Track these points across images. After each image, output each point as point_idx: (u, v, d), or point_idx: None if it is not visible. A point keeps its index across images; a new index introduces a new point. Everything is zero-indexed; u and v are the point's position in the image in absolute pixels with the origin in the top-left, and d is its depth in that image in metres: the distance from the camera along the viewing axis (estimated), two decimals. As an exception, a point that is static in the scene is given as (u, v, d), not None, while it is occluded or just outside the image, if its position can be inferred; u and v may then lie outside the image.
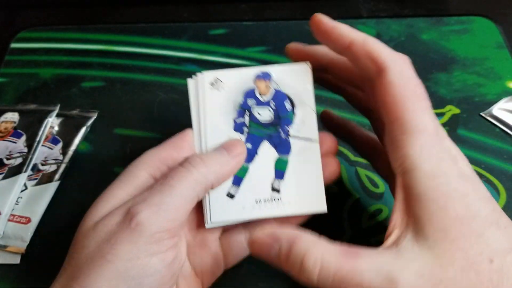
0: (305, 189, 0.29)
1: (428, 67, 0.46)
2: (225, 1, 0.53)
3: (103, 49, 0.49)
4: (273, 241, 0.23)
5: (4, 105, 0.43)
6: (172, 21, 0.52)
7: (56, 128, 0.41)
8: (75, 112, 0.43)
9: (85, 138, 0.41)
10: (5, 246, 0.34)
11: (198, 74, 0.30)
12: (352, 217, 0.36)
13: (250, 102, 0.29)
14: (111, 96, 0.45)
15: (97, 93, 0.45)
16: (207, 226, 0.29)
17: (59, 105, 0.42)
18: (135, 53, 0.48)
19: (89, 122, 0.42)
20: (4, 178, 0.37)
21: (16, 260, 0.34)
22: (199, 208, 0.29)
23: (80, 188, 0.38)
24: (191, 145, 0.29)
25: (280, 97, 0.29)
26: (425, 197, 0.22)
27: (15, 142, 0.39)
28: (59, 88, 0.45)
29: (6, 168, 0.38)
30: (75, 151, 0.40)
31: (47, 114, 0.41)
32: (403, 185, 0.23)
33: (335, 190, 0.38)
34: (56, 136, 0.41)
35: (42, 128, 0.40)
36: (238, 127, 0.29)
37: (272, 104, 0.29)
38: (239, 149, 0.29)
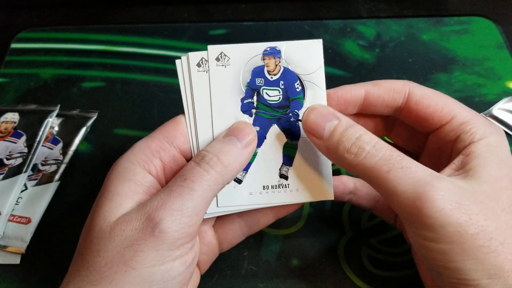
0: (314, 177, 0.28)
1: (428, 68, 0.46)
2: (225, 1, 0.53)
3: (103, 49, 0.49)
4: (333, 117, 0.26)
5: (4, 105, 0.43)
6: (172, 22, 0.52)
7: (56, 128, 0.41)
8: (75, 112, 0.43)
9: (85, 138, 0.41)
10: (5, 246, 0.34)
11: (189, 53, 0.27)
12: (352, 217, 0.36)
13: (259, 81, 0.27)
14: (111, 96, 0.45)
15: (97, 93, 0.45)
16: (211, 211, 0.28)
17: (59, 105, 0.42)
18: (135, 53, 0.48)
19: (89, 122, 0.42)
20: (4, 178, 0.37)
21: (16, 260, 0.34)
22: None
23: (80, 188, 0.38)
24: (183, 134, 0.28)
25: (289, 77, 0.28)
26: (487, 154, 0.24)
27: (15, 142, 0.39)
28: (59, 88, 0.45)
29: (6, 168, 0.38)
30: (75, 151, 0.40)
31: (47, 114, 0.41)
32: (466, 152, 0.25)
33: (335, 190, 0.38)
34: (56, 136, 0.41)
35: (42, 128, 0.40)
36: (245, 108, 0.28)
37: (281, 83, 0.28)
38: (250, 135, 0.27)
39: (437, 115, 0.27)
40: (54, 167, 0.38)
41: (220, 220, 0.31)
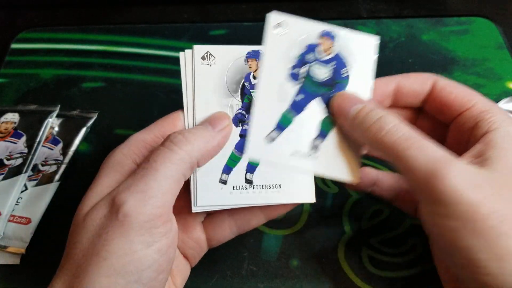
0: (343, 156, 0.29)
1: (428, 68, 0.46)
2: (225, 1, 0.53)
3: (104, 49, 0.49)
4: (359, 101, 0.27)
5: (5, 105, 0.43)
6: (173, 22, 0.52)
7: (57, 128, 0.41)
8: (75, 112, 0.43)
9: (85, 139, 0.41)
10: (5, 247, 0.34)
11: (194, 46, 0.29)
12: (352, 217, 0.36)
13: (310, 56, 0.29)
14: (111, 97, 0.45)
15: (98, 93, 0.45)
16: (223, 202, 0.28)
17: (59, 106, 0.42)
18: (135, 53, 0.48)
19: (89, 123, 0.42)
20: (4, 178, 0.37)
21: (16, 260, 0.34)
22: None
23: (80, 188, 0.38)
24: (181, 128, 0.28)
25: (340, 62, 0.29)
26: (504, 144, 0.25)
27: (15, 143, 0.39)
28: (60, 89, 0.45)
29: (6, 169, 0.38)
30: (75, 151, 0.40)
31: (47, 114, 0.41)
32: (484, 140, 0.26)
33: (335, 190, 0.38)
34: (57, 137, 0.41)
35: (42, 129, 0.40)
36: (293, 75, 0.29)
37: (331, 65, 0.29)
38: (224, 121, 0.28)
39: (459, 102, 0.28)
40: (54, 168, 0.38)
41: (210, 217, 0.31)
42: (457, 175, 0.22)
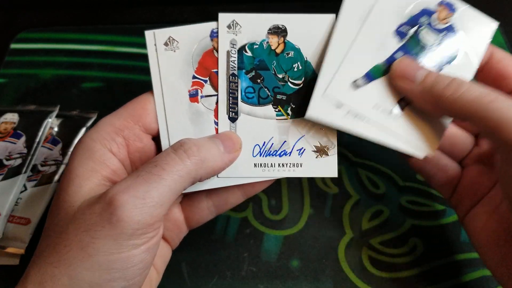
0: (427, 126, 0.28)
1: (428, 68, 0.45)
2: (225, 1, 0.52)
3: (103, 49, 0.49)
4: (423, 68, 0.27)
5: (4, 105, 0.43)
6: (172, 22, 0.51)
7: (56, 129, 0.41)
8: (75, 113, 0.43)
9: (85, 139, 0.41)
10: (4, 247, 0.34)
11: (155, 31, 0.29)
12: (352, 218, 0.36)
13: (424, 20, 0.28)
14: (111, 97, 0.45)
15: (97, 93, 0.45)
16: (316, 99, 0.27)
17: (59, 106, 0.42)
18: (135, 53, 0.48)
19: (89, 123, 0.42)
20: (3, 179, 0.37)
21: (16, 261, 0.34)
22: None
23: (80, 189, 0.38)
24: (150, 113, 0.27)
25: (451, 37, 0.28)
26: None
27: (15, 143, 0.39)
28: (59, 89, 0.45)
29: (6, 169, 0.37)
30: (75, 152, 0.40)
31: (47, 115, 0.41)
32: None
33: (335, 190, 0.38)
34: (56, 137, 0.40)
35: (42, 129, 0.40)
36: (400, 33, 0.28)
37: (442, 35, 0.28)
38: (236, 146, 0.27)
39: None
40: (53, 168, 0.38)
41: (187, 198, 0.30)
42: None
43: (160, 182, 0.23)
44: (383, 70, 0.28)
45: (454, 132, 0.32)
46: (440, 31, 0.28)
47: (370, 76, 0.28)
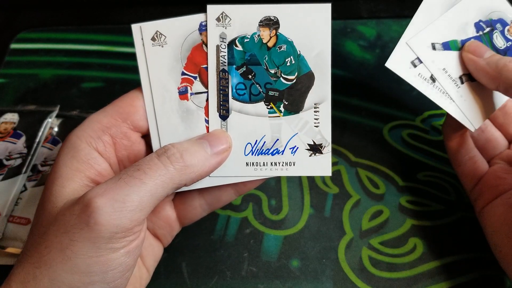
0: (480, 104, 0.31)
1: (428, 68, 0.45)
2: (225, 2, 0.52)
3: (103, 49, 0.49)
4: (490, 50, 0.30)
5: (4, 106, 0.43)
6: (172, 22, 0.51)
7: (56, 129, 0.41)
8: (75, 112, 0.43)
9: (85, 139, 0.41)
10: (4, 247, 0.34)
11: (141, 24, 0.28)
12: (352, 218, 0.36)
13: (498, 26, 0.32)
14: (111, 97, 0.44)
15: (97, 93, 0.45)
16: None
17: (59, 106, 0.42)
18: (135, 53, 0.48)
19: (89, 123, 0.42)
20: (3, 179, 0.37)
21: (15, 261, 0.34)
22: None
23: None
24: (139, 111, 0.27)
25: None
26: None
27: (15, 143, 0.39)
28: (59, 89, 0.45)
29: (6, 169, 0.37)
30: (75, 152, 0.40)
31: (47, 114, 0.41)
32: None
33: (335, 190, 0.38)
34: (56, 137, 0.40)
35: (42, 129, 0.40)
36: (478, 26, 0.32)
37: (509, 44, 0.32)
38: (224, 145, 0.26)
39: None
40: (53, 168, 0.38)
41: (179, 196, 0.30)
42: None
43: (141, 186, 0.22)
44: (457, 47, 0.31)
45: (493, 131, 0.35)
46: (508, 40, 0.33)
47: (446, 46, 0.31)
